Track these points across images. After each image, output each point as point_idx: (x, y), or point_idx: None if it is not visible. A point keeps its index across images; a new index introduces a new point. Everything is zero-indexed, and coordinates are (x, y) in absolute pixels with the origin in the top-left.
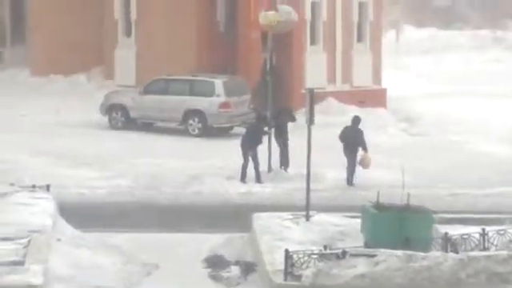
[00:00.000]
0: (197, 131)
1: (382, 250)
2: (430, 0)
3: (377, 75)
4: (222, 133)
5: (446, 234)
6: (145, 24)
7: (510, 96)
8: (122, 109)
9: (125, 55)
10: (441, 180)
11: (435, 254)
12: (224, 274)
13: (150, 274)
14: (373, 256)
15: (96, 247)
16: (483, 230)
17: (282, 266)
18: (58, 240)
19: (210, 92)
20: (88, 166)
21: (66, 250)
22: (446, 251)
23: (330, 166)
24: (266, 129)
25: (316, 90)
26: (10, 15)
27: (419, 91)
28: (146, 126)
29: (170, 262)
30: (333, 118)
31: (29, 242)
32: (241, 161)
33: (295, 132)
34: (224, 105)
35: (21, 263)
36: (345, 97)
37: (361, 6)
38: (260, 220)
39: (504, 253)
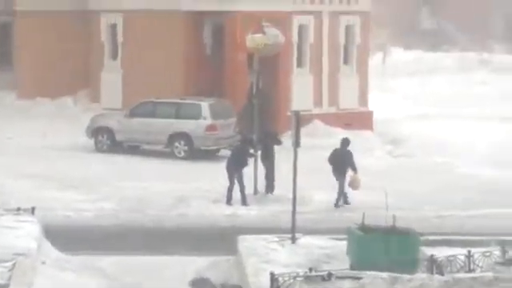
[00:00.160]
0: (183, 154)
1: (368, 272)
2: (417, 23)
3: (363, 97)
4: (209, 155)
5: (432, 255)
6: (131, 47)
7: (496, 118)
8: (108, 132)
9: (111, 78)
10: (426, 202)
11: (421, 275)
12: None
13: None
14: (359, 278)
15: (81, 270)
16: (469, 251)
17: None
18: (43, 263)
19: (196, 115)
20: (74, 188)
21: (51, 273)
22: (432, 273)
23: (316, 189)
24: (251, 151)
25: (302, 112)
26: None
27: (405, 113)
28: (132, 148)
29: (155, 284)
30: (319, 140)
31: (13, 265)
32: (227, 183)
33: (281, 154)
34: (210, 127)
35: (6, 286)
36: (331, 119)
37: (348, 28)
38: (246, 242)
39: (489, 274)
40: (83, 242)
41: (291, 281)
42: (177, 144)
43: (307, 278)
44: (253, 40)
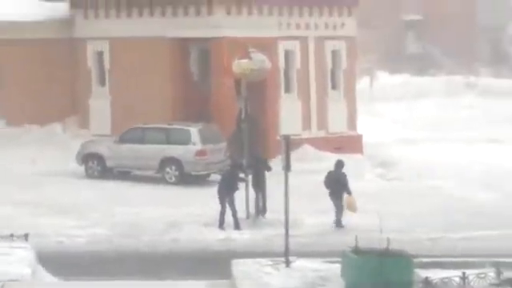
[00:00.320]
0: (174, 179)
1: None
2: (404, 47)
3: (352, 121)
4: (199, 180)
5: (427, 278)
6: (118, 73)
7: (483, 141)
8: (99, 158)
9: (99, 105)
10: (418, 224)
11: None
12: None
13: None
14: None
15: None
16: (463, 273)
17: None
18: None
19: (186, 140)
20: (65, 214)
21: None
22: None
23: (308, 212)
24: (241, 176)
25: (291, 136)
26: None
27: (394, 137)
28: (123, 174)
29: None
30: (309, 164)
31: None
32: (219, 207)
33: (272, 179)
34: (200, 152)
35: None
36: (321, 143)
37: (334, 54)
38: (240, 266)
39: None
40: (77, 268)
41: None
42: (168, 169)
43: None
44: (239, 65)
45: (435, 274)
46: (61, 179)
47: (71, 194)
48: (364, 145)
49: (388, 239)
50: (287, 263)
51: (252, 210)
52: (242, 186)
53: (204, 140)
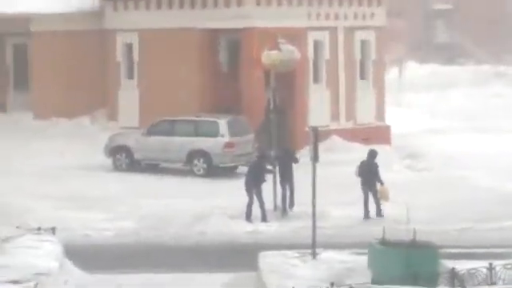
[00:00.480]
0: (202, 171)
1: (389, 285)
2: (433, 37)
3: (380, 112)
4: (227, 172)
5: (453, 269)
6: (147, 65)
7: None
8: (126, 150)
9: (128, 97)
10: (447, 215)
11: None
12: None
13: None
14: None
15: None
16: (490, 264)
17: None
18: (65, 282)
19: (214, 132)
20: (93, 208)
21: None
22: (453, 286)
23: (335, 204)
24: (269, 167)
25: (319, 127)
26: (14, 59)
27: (422, 127)
28: (151, 167)
29: None
30: (337, 155)
31: (36, 285)
32: (246, 200)
33: (300, 170)
34: (228, 145)
35: None
36: (349, 134)
37: (363, 44)
38: (266, 259)
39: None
40: (104, 261)
41: None
42: (196, 162)
43: None
44: (268, 56)
45: (463, 265)
46: (88, 172)
47: (99, 187)
48: (392, 135)
49: (414, 230)
50: (314, 255)
51: (279, 202)
52: (269, 177)
53: (232, 132)
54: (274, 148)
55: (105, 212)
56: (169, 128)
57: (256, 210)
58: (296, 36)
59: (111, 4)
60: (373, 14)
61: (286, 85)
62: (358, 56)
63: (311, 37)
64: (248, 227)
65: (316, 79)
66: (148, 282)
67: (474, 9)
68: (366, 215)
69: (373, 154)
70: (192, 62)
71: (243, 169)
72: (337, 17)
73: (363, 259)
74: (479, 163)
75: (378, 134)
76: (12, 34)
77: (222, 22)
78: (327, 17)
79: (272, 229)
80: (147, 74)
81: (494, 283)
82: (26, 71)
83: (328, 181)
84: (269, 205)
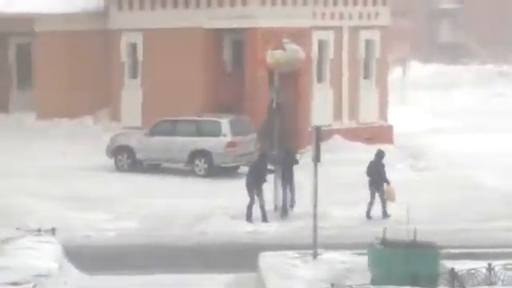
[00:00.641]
0: (203, 171)
1: (389, 286)
2: (436, 36)
3: (383, 112)
4: (229, 173)
5: (453, 269)
6: (151, 65)
7: None
8: (129, 151)
9: (131, 97)
10: (449, 215)
11: None
12: None
13: None
14: None
15: None
16: (489, 264)
17: None
18: (65, 284)
19: (216, 132)
20: (95, 208)
21: None
22: (453, 286)
23: (336, 204)
24: (269, 167)
25: (322, 127)
26: (16, 59)
27: (426, 127)
28: (153, 167)
29: None
30: (339, 155)
31: (35, 286)
32: (247, 200)
33: (301, 170)
34: (231, 144)
35: None
36: (351, 134)
37: (367, 43)
38: (267, 259)
39: None
40: (105, 262)
41: None
42: (197, 162)
43: None
44: (273, 56)
45: (463, 265)
46: (91, 172)
47: (101, 187)
48: (395, 135)
49: (415, 230)
50: (314, 255)
51: (280, 202)
52: (270, 177)
53: (234, 132)
54: (275, 148)
55: (107, 212)
56: (171, 128)
57: (256, 210)
58: (300, 35)
59: (116, 3)
60: (377, 14)
61: (290, 84)
62: (362, 55)
63: (316, 36)
64: (248, 227)
65: (320, 79)
66: (149, 283)
67: (478, 8)
68: (369, 215)
69: (379, 155)
70: (196, 61)
71: (244, 169)
72: (342, 16)
73: (364, 260)
74: (482, 163)
75: (381, 134)
76: (15, 34)
77: (227, 22)
78: (332, 16)
79: (272, 229)
80: (151, 73)
81: (493, 283)
82: (29, 71)
83: (330, 180)
84: (269, 205)
